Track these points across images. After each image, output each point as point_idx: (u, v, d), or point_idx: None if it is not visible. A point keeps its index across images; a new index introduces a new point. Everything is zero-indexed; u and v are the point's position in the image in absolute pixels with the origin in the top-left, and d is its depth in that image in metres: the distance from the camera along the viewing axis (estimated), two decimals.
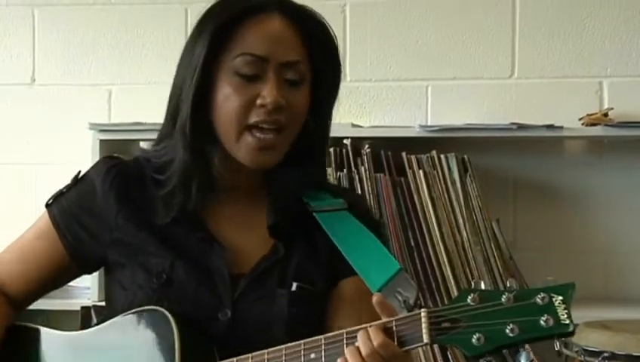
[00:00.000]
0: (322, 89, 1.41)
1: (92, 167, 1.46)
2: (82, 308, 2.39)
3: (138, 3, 2.69)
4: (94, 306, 2.31)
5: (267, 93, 1.32)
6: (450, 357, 2.28)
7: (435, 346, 2.28)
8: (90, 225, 1.42)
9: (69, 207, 1.44)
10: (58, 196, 1.46)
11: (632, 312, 2.26)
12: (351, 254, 1.37)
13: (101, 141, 2.40)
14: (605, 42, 2.50)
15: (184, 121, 1.36)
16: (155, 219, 1.39)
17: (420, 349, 2.28)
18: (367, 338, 1.17)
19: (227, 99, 1.34)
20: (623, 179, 2.49)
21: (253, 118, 1.33)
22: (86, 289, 2.37)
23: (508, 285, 1.15)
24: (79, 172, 1.47)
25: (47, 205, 1.46)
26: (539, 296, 1.11)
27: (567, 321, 1.10)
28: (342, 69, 1.46)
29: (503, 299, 1.12)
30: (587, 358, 1.86)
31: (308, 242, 1.41)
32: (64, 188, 1.47)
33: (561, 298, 1.11)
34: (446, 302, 2.26)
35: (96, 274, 2.33)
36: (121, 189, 1.41)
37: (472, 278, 2.27)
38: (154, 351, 1.30)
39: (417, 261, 2.28)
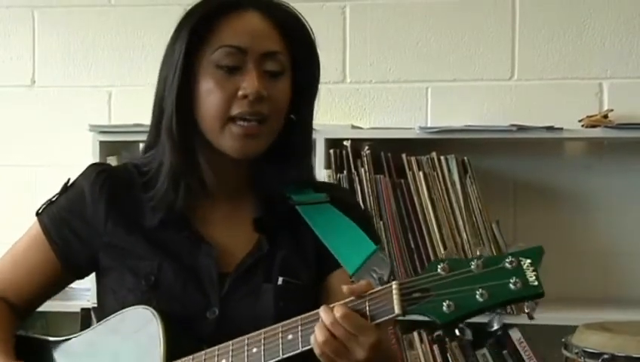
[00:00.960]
0: (303, 82, 1.43)
1: (81, 174, 1.48)
2: (82, 309, 2.39)
3: (138, 5, 2.70)
4: (94, 308, 2.30)
5: (248, 84, 1.34)
6: (449, 358, 2.28)
7: (435, 347, 2.29)
8: (80, 231, 1.44)
9: (59, 214, 1.45)
10: (48, 205, 1.47)
11: (631, 314, 2.26)
12: (331, 242, 1.39)
13: (101, 142, 2.40)
14: (605, 44, 2.51)
15: (169, 119, 1.38)
16: (144, 222, 1.41)
17: (419, 349, 2.29)
18: (329, 309, 1.19)
19: (209, 93, 1.36)
20: (623, 181, 2.49)
21: (235, 110, 1.35)
22: (86, 290, 2.37)
23: (478, 253, 1.16)
24: (69, 179, 1.49)
25: (38, 214, 1.47)
26: (507, 260, 1.13)
27: (536, 283, 1.11)
28: (320, 63, 1.46)
29: (472, 266, 1.14)
30: (587, 360, 1.86)
31: (293, 237, 1.43)
32: (54, 196, 1.48)
33: (529, 261, 1.13)
34: None
35: (93, 278, 2.33)
36: (110, 194, 1.42)
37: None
38: (140, 348, 1.32)
39: (417, 262, 2.29)
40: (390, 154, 2.33)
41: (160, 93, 1.41)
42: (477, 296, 1.12)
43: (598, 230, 2.50)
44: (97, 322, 1.42)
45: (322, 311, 1.20)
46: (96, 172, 1.45)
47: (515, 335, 2.27)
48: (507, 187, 2.53)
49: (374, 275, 1.30)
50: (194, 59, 1.38)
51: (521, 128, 2.31)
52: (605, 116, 2.35)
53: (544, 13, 2.53)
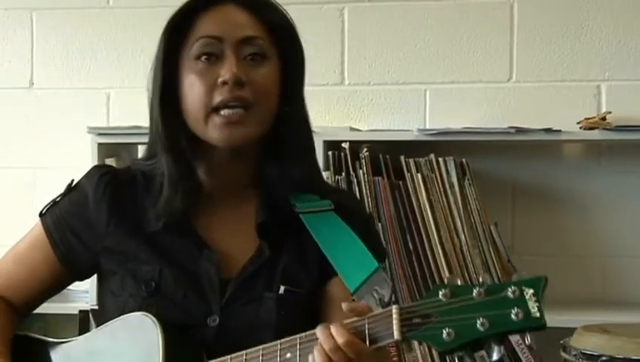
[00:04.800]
0: (289, 71, 1.42)
1: (84, 176, 1.48)
2: (80, 311, 2.39)
3: (136, 7, 2.70)
4: (92, 310, 2.30)
5: (225, 70, 1.34)
6: (448, 360, 2.28)
7: (434, 352, 2.29)
8: (82, 233, 1.43)
9: (62, 215, 1.45)
10: (51, 206, 1.47)
11: (630, 316, 2.26)
12: (332, 254, 1.38)
13: (99, 144, 2.40)
14: (603, 46, 2.51)
15: (156, 123, 1.40)
16: (146, 226, 1.40)
17: (418, 353, 2.28)
18: (329, 335, 1.17)
19: (192, 86, 1.37)
20: (621, 183, 2.49)
21: (217, 99, 1.35)
22: (84, 293, 2.37)
23: (481, 280, 1.15)
24: (72, 181, 1.48)
25: (41, 215, 1.47)
26: (510, 289, 1.11)
27: (538, 314, 1.09)
28: (303, 50, 1.46)
29: (474, 294, 1.12)
30: None
31: (295, 244, 1.41)
32: (57, 197, 1.48)
33: (531, 291, 1.10)
34: None
35: (94, 278, 2.33)
36: (113, 197, 1.42)
37: (471, 282, 2.28)
38: (139, 356, 1.31)
39: (415, 264, 2.28)
40: (389, 156, 2.33)
41: (149, 99, 1.43)
42: (477, 325, 1.10)
43: (597, 232, 2.50)
44: (97, 324, 1.42)
45: (321, 334, 1.18)
46: (100, 174, 1.45)
47: (514, 337, 2.27)
48: (506, 189, 2.53)
49: (375, 295, 1.30)
50: (176, 60, 1.39)
51: (520, 130, 2.31)
52: (603, 118, 2.35)
53: (542, 16, 2.53)
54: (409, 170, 2.31)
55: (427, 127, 2.52)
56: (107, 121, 2.69)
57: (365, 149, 2.32)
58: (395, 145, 2.37)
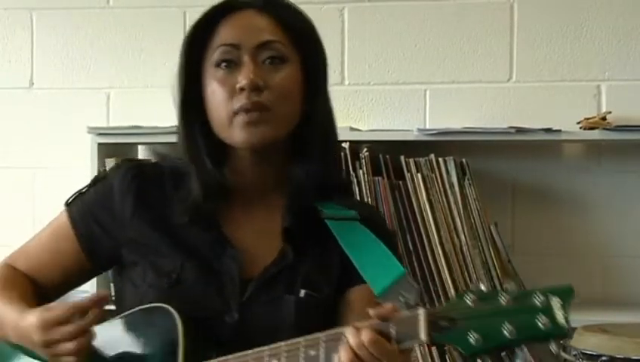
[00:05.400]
0: (311, 71, 1.43)
1: (112, 168, 1.52)
2: None
3: (136, 7, 2.70)
4: None
5: (242, 76, 1.36)
6: (447, 359, 2.28)
7: (433, 349, 2.29)
8: (106, 224, 1.45)
9: (87, 206, 1.47)
10: (77, 196, 1.49)
11: (630, 316, 2.26)
12: (358, 260, 1.38)
13: (99, 144, 2.40)
14: (603, 46, 2.51)
15: (179, 127, 1.43)
16: (171, 221, 1.42)
17: (418, 352, 2.28)
18: (356, 332, 1.18)
19: (213, 93, 1.39)
20: (621, 183, 2.49)
21: (236, 104, 1.36)
22: (84, 293, 2.36)
23: (507, 288, 1.15)
24: (99, 172, 1.50)
25: (67, 204, 1.49)
26: (537, 297, 1.11)
27: (564, 323, 1.10)
28: (325, 50, 1.46)
29: (501, 300, 1.13)
30: None
31: (319, 250, 1.42)
32: (83, 188, 1.50)
33: (558, 299, 1.11)
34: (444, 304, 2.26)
35: (94, 279, 2.33)
36: (139, 191, 1.44)
37: (471, 281, 2.28)
38: (158, 347, 1.32)
39: (415, 264, 2.28)
40: (389, 156, 2.33)
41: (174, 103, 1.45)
42: (504, 331, 1.11)
43: (596, 232, 2.50)
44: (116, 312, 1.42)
45: (349, 333, 1.18)
46: (127, 167, 1.47)
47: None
48: (506, 189, 2.53)
49: (401, 299, 1.30)
50: (200, 67, 1.41)
51: (520, 130, 2.31)
52: (603, 118, 2.35)
53: (542, 16, 2.53)
54: (409, 170, 2.31)
55: (427, 127, 2.52)
56: (107, 121, 2.69)
57: (365, 149, 2.32)
58: (395, 145, 2.37)
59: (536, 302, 1.11)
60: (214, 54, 1.39)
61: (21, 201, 2.68)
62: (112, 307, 1.46)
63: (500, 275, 2.29)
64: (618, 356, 1.83)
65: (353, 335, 1.18)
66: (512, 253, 2.38)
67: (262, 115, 1.36)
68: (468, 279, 2.28)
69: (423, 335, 1.15)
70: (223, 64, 1.38)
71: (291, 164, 1.42)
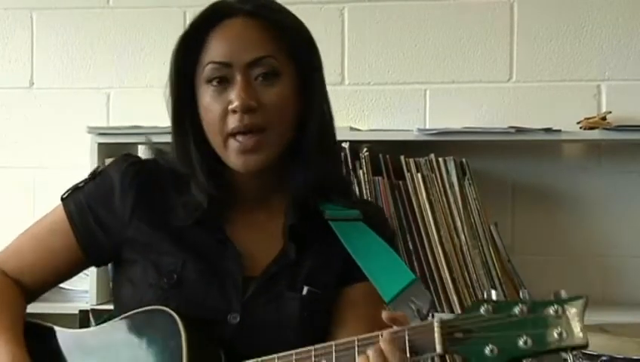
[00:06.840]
0: (306, 76, 1.41)
1: (111, 163, 1.47)
2: (80, 311, 2.39)
3: (136, 6, 2.70)
4: (92, 309, 2.30)
5: (234, 97, 1.33)
6: (447, 359, 2.28)
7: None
8: (105, 220, 1.42)
9: (85, 201, 1.44)
10: (74, 191, 1.46)
11: (630, 315, 2.26)
12: (365, 263, 1.37)
13: (99, 144, 2.40)
14: (603, 46, 2.51)
15: (173, 140, 1.42)
16: (171, 220, 1.40)
17: None
18: (380, 350, 1.15)
19: (207, 110, 1.37)
20: (621, 183, 2.49)
21: (230, 126, 1.34)
22: (84, 292, 2.37)
23: (522, 296, 1.13)
24: (98, 167, 1.48)
25: (63, 198, 1.46)
26: (552, 308, 1.10)
27: (582, 334, 1.09)
28: (318, 50, 1.45)
29: (516, 311, 1.11)
30: None
31: (321, 248, 1.41)
32: (81, 182, 1.47)
33: (574, 310, 1.10)
34: (444, 306, 2.27)
35: (94, 278, 2.33)
36: (141, 188, 1.42)
37: (471, 282, 2.28)
38: (161, 353, 1.30)
39: (415, 264, 2.28)
40: (388, 155, 2.33)
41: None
42: (520, 343, 1.09)
43: (596, 232, 2.50)
44: (106, 316, 1.41)
45: (372, 351, 1.15)
46: (128, 163, 1.44)
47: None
48: (505, 189, 2.53)
49: (412, 306, 1.28)
50: (191, 75, 1.39)
51: (520, 130, 2.31)
52: (603, 118, 2.35)
53: (542, 15, 2.53)
54: (409, 170, 2.31)
55: (427, 127, 2.52)
56: (107, 121, 2.69)
57: (365, 149, 2.32)
58: (395, 145, 2.37)
59: (553, 313, 1.10)
60: (205, 70, 1.36)
61: (21, 201, 2.68)
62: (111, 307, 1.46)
63: (499, 275, 2.29)
64: (618, 356, 1.83)
65: (378, 354, 1.15)
66: (512, 253, 2.38)
67: (257, 139, 1.34)
68: (468, 279, 2.27)
69: (439, 347, 1.13)
70: (215, 81, 1.36)
71: (291, 167, 1.41)
